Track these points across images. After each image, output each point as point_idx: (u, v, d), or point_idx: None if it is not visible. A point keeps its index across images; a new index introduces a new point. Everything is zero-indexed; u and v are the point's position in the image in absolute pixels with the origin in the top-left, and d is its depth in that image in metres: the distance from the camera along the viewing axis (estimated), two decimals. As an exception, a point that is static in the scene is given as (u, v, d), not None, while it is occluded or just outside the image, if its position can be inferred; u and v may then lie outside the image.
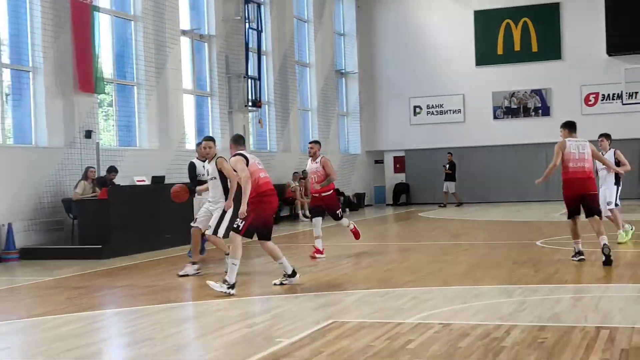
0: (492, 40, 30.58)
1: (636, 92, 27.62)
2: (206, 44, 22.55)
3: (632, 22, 27.94)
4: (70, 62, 16.69)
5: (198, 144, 12.45)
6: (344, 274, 11.16)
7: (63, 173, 16.14)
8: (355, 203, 28.92)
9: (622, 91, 27.93)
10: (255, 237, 9.82)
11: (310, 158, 13.45)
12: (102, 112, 18.38)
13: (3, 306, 9.70)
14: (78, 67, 16.74)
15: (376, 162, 32.37)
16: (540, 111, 30.15)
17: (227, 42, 22.84)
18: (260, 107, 23.97)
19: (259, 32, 23.79)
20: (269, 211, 9.90)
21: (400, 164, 32.13)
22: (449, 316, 7.62)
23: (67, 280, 11.43)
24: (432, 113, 31.42)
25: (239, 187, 9.89)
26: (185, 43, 21.45)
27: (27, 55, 16.28)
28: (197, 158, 12.23)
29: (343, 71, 31.78)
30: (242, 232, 9.37)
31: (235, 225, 9.50)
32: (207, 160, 11.09)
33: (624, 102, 27.99)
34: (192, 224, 11.30)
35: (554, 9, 29.81)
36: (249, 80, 23.23)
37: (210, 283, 9.31)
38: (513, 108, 30.57)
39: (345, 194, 28.39)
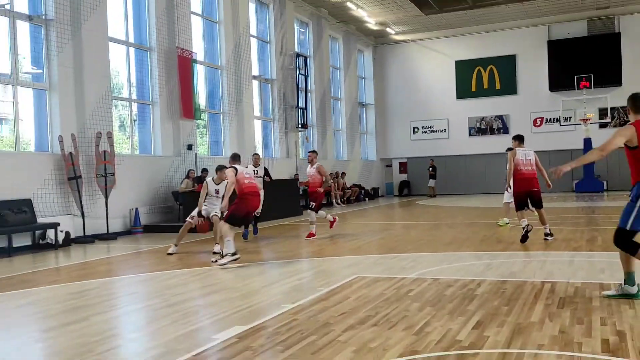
0: (467, 81, 30.45)
1: (570, 117, 27.34)
2: (270, 85, 22.64)
3: (565, 68, 27.83)
4: (177, 98, 16.87)
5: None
6: (364, 243, 11.16)
7: (172, 173, 16.34)
8: (372, 194, 28.96)
9: (559, 116, 27.75)
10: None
11: (309, 164, 12.62)
12: (198, 132, 18.56)
13: (132, 264, 9.86)
14: (182, 101, 16.92)
15: (387, 166, 32.35)
16: (502, 130, 29.90)
17: (284, 83, 22.93)
18: (306, 128, 24.01)
19: (306, 77, 23.84)
20: (248, 207, 9.22)
21: (403, 167, 32.19)
22: (437, 273, 7.59)
23: (188, 246, 11.57)
24: (426, 132, 31.37)
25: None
26: (255, 84, 21.55)
27: (148, 93, 16.48)
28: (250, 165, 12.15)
29: (364, 103, 31.74)
30: (225, 219, 8.96)
31: (222, 214, 9.37)
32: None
33: (561, 124, 27.90)
34: (211, 215, 10.52)
35: (512, 58, 29.62)
36: (299, 109, 23.29)
37: (219, 262, 8.82)
38: (482, 128, 30.38)
39: (366, 188, 28.43)
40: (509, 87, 29.72)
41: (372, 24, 27.95)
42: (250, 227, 12.71)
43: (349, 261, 9.00)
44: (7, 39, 12.62)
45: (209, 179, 10.79)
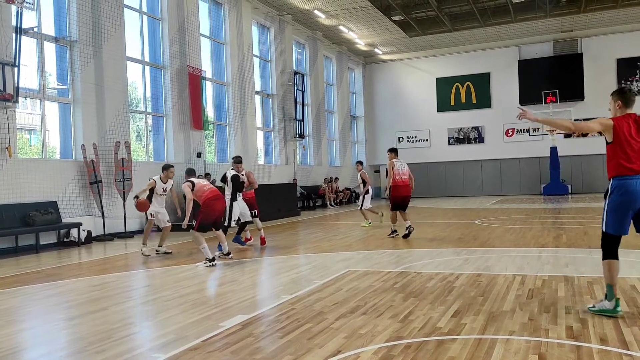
0: (447, 96, 30.47)
1: (538, 128, 27.44)
2: (270, 99, 22.64)
3: (534, 84, 27.86)
4: (188, 111, 16.85)
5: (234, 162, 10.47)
6: (355, 241, 11.15)
7: (183, 179, 16.26)
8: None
9: (529, 127, 27.85)
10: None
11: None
12: (207, 141, 18.52)
13: (146, 259, 9.79)
14: (192, 113, 16.90)
15: (375, 171, 32.29)
16: (477, 140, 29.93)
17: (283, 98, 22.93)
18: (303, 138, 23.99)
19: (303, 92, 23.83)
20: (214, 212, 8.68)
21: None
22: (420, 267, 7.59)
23: (185, 244, 11.55)
24: (410, 141, 31.36)
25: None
26: (257, 99, 21.54)
27: (162, 106, 16.46)
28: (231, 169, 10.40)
29: (354, 115, 31.75)
30: (196, 228, 8.43)
31: (191, 224, 8.69)
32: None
33: (530, 134, 28.05)
34: (165, 220, 10.20)
35: (486, 76, 29.66)
36: (297, 121, 23.26)
37: (198, 264, 8.39)
38: (460, 138, 30.36)
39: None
40: (484, 101, 29.77)
41: (362, 45, 28.01)
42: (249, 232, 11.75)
43: (341, 256, 9.00)
44: (36, 58, 12.59)
45: (156, 177, 10.10)
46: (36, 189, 11.79)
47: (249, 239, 10.97)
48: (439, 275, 6.86)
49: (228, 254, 9.04)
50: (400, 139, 31.49)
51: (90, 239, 12.47)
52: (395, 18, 23.62)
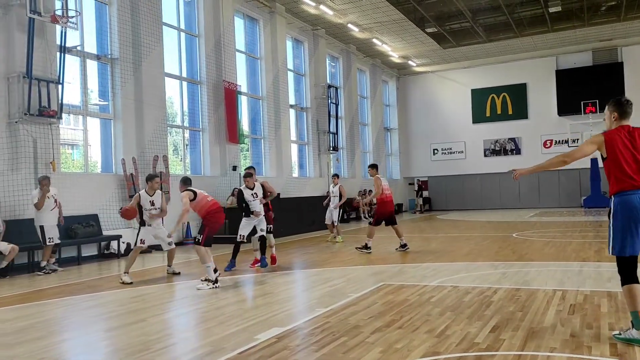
0: (482, 107, 30.09)
1: (577, 139, 26.78)
2: (304, 112, 22.79)
3: (572, 95, 27.23)
4: (224, 125, 17.10)
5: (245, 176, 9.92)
6: (390, 254, 11.05)
7: (219, 191, 16.51)
8: (396, 209, 28.64)
9: (568, 138, 27.19)
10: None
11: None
12: (242, 154, 18.75)
13: (183, 272, 9.89)
14: (228, 127, 17.14)
15: (409, 184, 32.02)
16: (514, 151, 29.43)
17: (317, 111, 23.06)
18: (337, 150, 24.04)
19: (336, 105, 23.92)
20: (218, 225, 8.28)
21: (424, 185, 31.85)
22: (457, 281, 7.47)
23: (223, 256, 11.66)
24: (445, 153, 31.05)
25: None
26: (291, 112, 21.72)
27: (199, 121, 16.76)
28: (245, 187, 9.78)
29: (388, 127, 31.66)
30: (202, 243, 7.89)
31: (196, 240, 8.04)
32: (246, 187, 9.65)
33: (569, 145, 27.38)
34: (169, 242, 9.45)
35: (523, 86, 29.20)
36: (330, 134, 23.34)
37: (200, 286, 7.67)
38: (497, 149, 29.90)
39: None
40: (521, 112, 29.28)
41: (395, 57, 27.98)
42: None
43: (376, 270, 8.93)
44: (79, 76, 13.03)
45: (142, 192, 9.21)
46: (78, 202, 12.12)
47: (256, 262, 9.71)
48: (476, 290, 6.73)
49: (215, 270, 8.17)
50: (435, 151, 31.23)
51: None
52: (429, 30, 23.54)
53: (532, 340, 4.47)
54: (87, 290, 7.97)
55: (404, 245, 11.35)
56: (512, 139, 29.46)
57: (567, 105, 27.49)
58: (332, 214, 14.22)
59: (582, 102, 26.66)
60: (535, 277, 7.68)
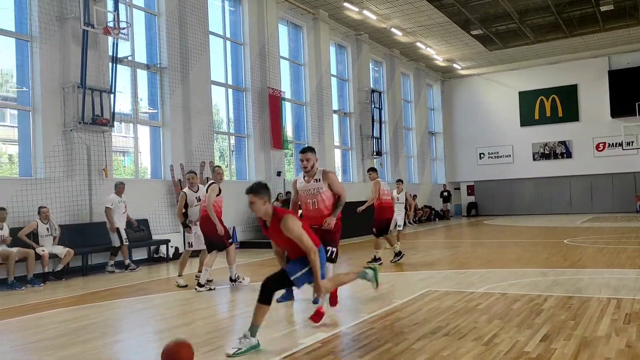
0: (531, 109, 29.28)
1: (632, 142, 25.76)
2: (348, 117, 22.80)
3: (626, 96, 26.17)
4: (268, 131, 17.30)
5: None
6: (435, 259, 10.90)
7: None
8: (442, 215, 28.32)
9: (622, 141, 26.19)
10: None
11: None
12: (286, 160, 18.89)
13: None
14: (273, 133, 17.32)
15: (455, 188, 31.51)
16: (565, 155, 28.50)
17: (361, 116, 23.02)
18: (381, 155, 23.91)
19: (380, 110, 23.81)
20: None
21: (471, 189, 31.30)
22: (505, 288, 7.29)
23: (266, 261, 11.77)
24: (492, 157, 30.39)
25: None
26: (335, 117, 21.76)
27: (244, 127, 17.01)
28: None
29: (433, 131, 31.28)
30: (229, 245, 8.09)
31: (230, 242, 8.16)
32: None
33: (623, 148, 26.35)
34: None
35: (574, 88, 28.24)
36: (374, 139, 23.25)
37: (200, 289, 7.94)
38: (546, 153, 29.02)
39: (436, 209, 27.88)
40: (571, 114, 28.33)
41: (440, 61, 27.64)
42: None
43: (421, 276, 8.82)
44: (130, 85, 13.46)
45: (185, 190, 9.11)
46: (129, 208, 12.47)
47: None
48: (525, 297, 6.55)
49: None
50: (482, 155, 30.62)
51: (177, 255, 12.99)
52: (474, 32, 23.15)
53: (585, 350, 4.32)
54: (137, 293, 8.19)
55: (398, 254, 10.76)
56: (563, 142, 28.57)
57: (621, 106, 26.44)
58: (397, 219, 13.92)
59: (637, 104, 25.61)
60: (588, 284, 7.41)
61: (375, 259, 10.54)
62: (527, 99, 29.30)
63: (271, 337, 5.12)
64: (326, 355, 4.47)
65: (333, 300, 5.91)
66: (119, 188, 11.36)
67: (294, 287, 6.72)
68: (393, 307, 6.31)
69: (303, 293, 7.55)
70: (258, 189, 4.99)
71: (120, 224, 11.19)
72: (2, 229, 9.43)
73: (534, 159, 29.19)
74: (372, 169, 11.20)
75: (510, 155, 29.82)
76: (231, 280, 8.43)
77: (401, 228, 13.83)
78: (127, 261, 11.16)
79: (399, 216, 13.87)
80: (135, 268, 11.14)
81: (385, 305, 6.39)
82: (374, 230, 10.81)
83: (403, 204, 13.88)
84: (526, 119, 29.34)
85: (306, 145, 6.31)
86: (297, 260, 4.94)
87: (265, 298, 4.70)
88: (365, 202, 14.97)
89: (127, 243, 11.23)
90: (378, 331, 5.18)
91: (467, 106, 30.93)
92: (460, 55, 26.90)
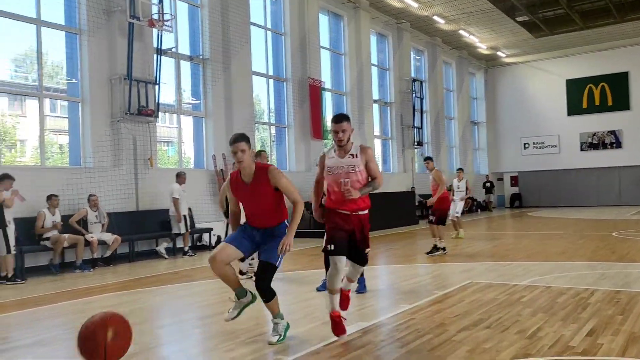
0: (578, 98, 28.32)
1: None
2: (388, 107, 22.60)
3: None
4: (308, 121, 17.34)
5: None
6: (477, 251, 10.73)
7: (304, 186, 16.72)
8: (484, 206, 27.83)
9: (676, 130, 25.06)
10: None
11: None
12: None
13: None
14: (313, 124, 17.36)
15: (498, 179, 30.90)
16: (614, 145, 27.49)
17: (402, 106, 22.79)
18: (422, 145, 23.64)
19: (421, 99, 23.50)
20: None
21: (514, 180, 30.60)
22: (549, 281, 7.12)
23: (306, 250, 11.83)
24: (537, 147, 29.58)
25: None
26: (375, 107, 21.60)
27: (284, 117, 17.11)
28: None
29: (475, 121, 30.70)
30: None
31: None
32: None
33: (678, 138, 25.23)
34: None
35: (624, 75, 27.15)
36: (415, 129, 22.99)
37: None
38: (594, 143, 28.06)
39: (478, 200, 27.41)
40: (622, 103, 27.26)
41: (483, 48, 27.04)
42: None
43: (463, 267, 8.71)
44: (173, 76, 13.71)
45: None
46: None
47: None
48: (571, 291, 6.38)
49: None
50: (526, 145, 29.85)
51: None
52: (519, 19, 22.51)
53: (633, 346, 4.18)
54: (181, 280, 8.39)
55: (438, 249, 10.34)
56: (612, 132, 27.55)
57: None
58: (457, 207, 13.79)
59: (692, 91, 24.47)
60: (637, 278, 7.16)
61: (437, 248, 10.23)
62: (575, 87, 28.36)
63: (312, 326, 5.17)
64: (366, 344, 4.48)
65: (339, 330, 4.72)
66: (181, 177, 11.83)
67: None
68: (434, 298, 6.25)
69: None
70: (246, 136, 4.54)
71: (185, 212, 11.77)
72: (54, 215, 9.81)
73: (582, 149, 28.28)
74: (430, 158, 10.90)
75: (556, 145, 28.97)
76: (240, 273, 7.95)
77: (459, 215, 13.72)
78: (187, 248, 11.76)
79: (458, 204, 13.73)
80: (193, 254, 11.68)
81: (425, 297, 6.34)
82: (433, 219, 10.38)
83: (464, 192, 13.77)
84: (574, 108, 28.41)
85: (340, 113, 5.16)
86: (269, 243, 4.59)
87: (269, 296, 4.62)
88: (401, 192, 14.92)
89: (189, 230, 11.90)
90: (418, 322, 5.15)
91: (511, 95, 30.18)
92: (504, 42, 26.23)
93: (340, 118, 4.76)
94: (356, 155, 4.71)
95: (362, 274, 6.51)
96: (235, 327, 5.19)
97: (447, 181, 11.16)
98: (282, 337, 4.63)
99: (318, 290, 6.88)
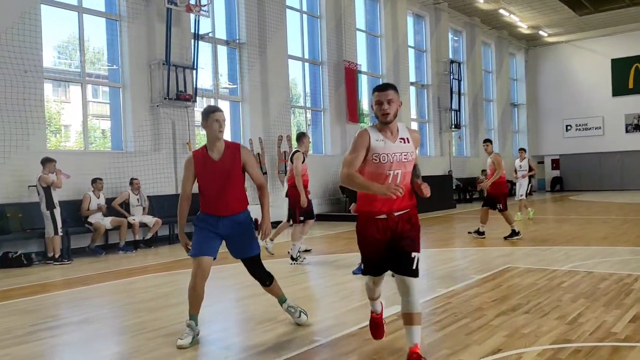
0: (624, 78, 27.27)
1: None
2: (425, 90, 22.28)
3: None
4: (344, 104, 17.27)
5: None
6: (519, 237, 10.51)
7: (340, 170, 16.74)
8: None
9: None
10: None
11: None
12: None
13: (308, 247, 10.26)
14: (348, 107, 17.28)
15: (538, 162, 30.19)
16: (662, 126, 26.51)
17: (439, 88, 22.43)
18: (459, 128, 23.27)
19: (459, 81, 23.07)
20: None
21: (556, 163, 29.83)
22: (591, 266, 6.95)
23: (341, 234, 11.88)
24: (580, 129, 28.71)
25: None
26: (412, 90, 21.34)
27: (320, 101, 17.09)
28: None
29: (515, 103, 29.99)
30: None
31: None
32: None
33: None
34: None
35: (674, 54, 26.05)
36: (452, 111, 22.64)
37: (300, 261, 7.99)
38: (640, 125, 27.14)
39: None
40: (671, 82, 26.18)
41: (524, 28, 26.27)
42: None
43: (501, 251, 8.59)
44: (210, 61, 13.84)
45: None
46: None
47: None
48: (613, 276, 6.22)
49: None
50: (568, 127, 29.02)
51: (255, 226, 13.36)
52: (562, -4, 21.77)
53: (680, 334, 4.06)
54: (219, 262, 8.50)
55: (481, 233, 10.24)
56: (660, 113, 26.51)
57: None
58: (521, 187, 13.81)
59: None
60: (685, 265, 6.92)
61: (516, 232, 9.96)
62: (621, 67, 27.30)
63: (347, 309, 5.21)
64: (401, 327, 4.47)
65: (379, 333, 4.11)
66: None
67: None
68: (471, 282, 6.20)
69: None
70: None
71: None
72: (99, 198, 10.12)
73: (627, 131, 27.32)
74: (489, 140, 10.55)
75: (600, 127, 28.06)
76: (292, 258, 8.06)
77: (524, 197, 13.57)
78: None
79: (522, 186, 13.64)
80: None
81: (462, 281, 6.29)
82: (502, 205, 10.10)
83: (526, 171, 13.70)
84: (619, 88, 27.40)
85: (384, 82, 4.21)
86: (238, 238, 4.52)
87: (269, 280, 4.65)
88: (438, 176, 14.73)
89: None
90: (455, 306, 5.12)
91: (553, 76, 29.30)
92: (546, 21, 25.41)
93: (385, 86, 3.57)
94: (407, 139, 3.64)
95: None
96: (272, 309, 5.27)
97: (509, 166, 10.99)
98: (303, 312, 4.67)
99: (354, 273, 6.91)
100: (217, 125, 4.27)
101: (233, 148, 4.35)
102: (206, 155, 4.32)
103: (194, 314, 4.38)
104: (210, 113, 4.31)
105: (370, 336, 4.15)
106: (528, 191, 13.94)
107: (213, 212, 4.40)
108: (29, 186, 9.57)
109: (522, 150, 14.45)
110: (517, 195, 13.96)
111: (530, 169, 13.90)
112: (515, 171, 13.95)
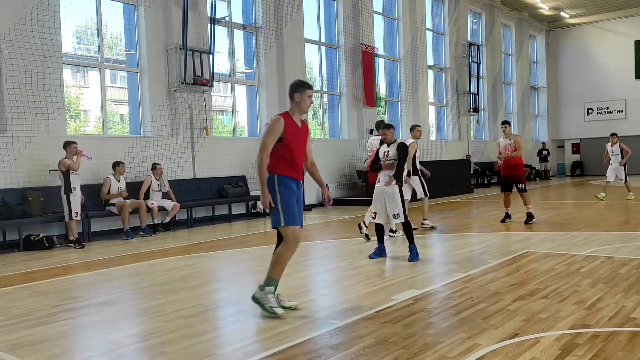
0: (649, 60, 26.66)
1: None
2: (443, 73, 22.02)
3: None
4: (361, 88, 17.16)
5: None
6: (535, 220, 10.41)
7: (357, 155, 16.72)
8: (543, 174, 26.96)
9: None
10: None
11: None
12: (379, 118, 18.70)
13: (324, 231, 10.31)
14: (365, 91, 17.17)
15: (559, 146, 29.78)
16: (687, 109, 25.86)
17: (457, 71, 22.15)
18: (477, 112, 23.00)
19: (478, 64, 22.76)
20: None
21: (576, 148, 29.38)
22: (611, 251, 6.87)
23: (358, 218, 11.84)
24: (601, 113, 28.17)
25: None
26: (430, 73, 21.11)
27: (337, 85, 16.98)
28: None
29: (535, 86, 29.48)
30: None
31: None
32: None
33: None
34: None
35: (701, 34, 25.31)
36: (471, 95, 22.37)
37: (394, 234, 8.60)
38: (665, 108, 26.52)
39: (537, 169, 26.58)
40: (696, 64, 25.49)
41: (545, 9, 25.75)
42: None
43: (519, 236, 8.52)
44: (227, 45, 13.82)
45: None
46: (228, 165, 13.05)
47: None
48: (634, 262, 6.14)
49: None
50: (590, 111, 28.51)
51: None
52: (585, -24, 21.27)
53: (702, 320, 4.00)
54: (237, 245, 8.62)
55: (532, 216, 10.06)
56: (685, 96, 25.88)
57: None
58: (618, 172, 13.73)
59: None
60: None
61: (532, 216, 9.99)
62: (645, 49, 26.65)
63: (364, 292, 5.22)
64: (419, 311, 4.49)
65: None
66: None
67: (384, 245, 6.83)
68: (488, 267, 6.17)
69: (395, 251, 7.57)
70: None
71: None
72: (119, 182, 10.23)
73: (651, 114, 26.76)
74: (507, 122, 10.37)
75: (622, 111, 27.51)
76: (391, 231, 8.64)
77: (624, 179, 13.47)
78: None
79: (617, 170, 13.52)
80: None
81: (479, 265, 6.26)
82: (524, 186, 10.08)
83: (619, 155, 13.57)
84: (642, 71, 26.78)
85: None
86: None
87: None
88: (456, 160, 14.54)
89: None
90: (472, 290, 5.10)
91: (575, 58, 28.72)
92: (568, 2, 24.87)
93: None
94: None
95: (412, 242, 6.79)
96: (288, 292, 5.31)
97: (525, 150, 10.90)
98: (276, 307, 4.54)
99: (370, 257, 6.92)
100: (310, 101, 4.74)
101: (304, 122, 4.81)
102: (292, 120, 4.69)
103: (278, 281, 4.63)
104: (307, 88, 4.72)
105: (387, 320, 4.16)
106: (625, 175, 13.87)
107: (297, 176, 4.70)
108: (50, 170, 9.72)
109: (613, 135, 14.22)
110: (608, 178, 13.89)
111: (625, 152, 13.81)
112: (607, 155, 13.76)
